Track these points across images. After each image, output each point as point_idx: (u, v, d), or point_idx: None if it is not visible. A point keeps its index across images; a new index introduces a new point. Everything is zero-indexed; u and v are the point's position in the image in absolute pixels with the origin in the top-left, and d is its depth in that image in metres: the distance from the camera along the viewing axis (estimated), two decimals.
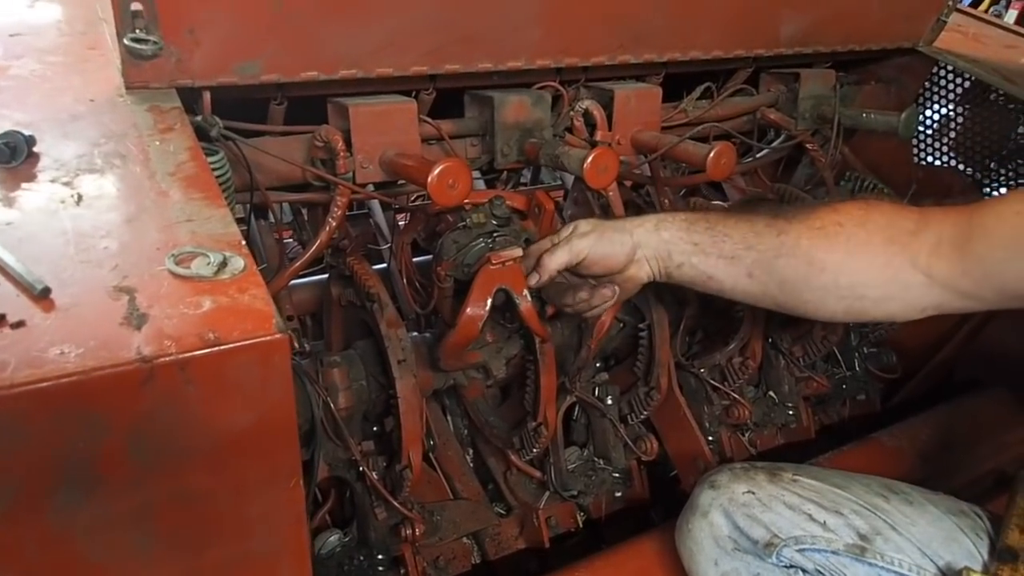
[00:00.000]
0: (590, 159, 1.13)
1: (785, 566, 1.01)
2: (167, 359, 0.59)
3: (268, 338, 0.63)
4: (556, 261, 1.09)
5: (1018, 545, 1.00)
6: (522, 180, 2.09)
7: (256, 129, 1.16)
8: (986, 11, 6.03)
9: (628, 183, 1.72)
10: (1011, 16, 5.95)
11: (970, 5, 2.93)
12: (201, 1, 0.94)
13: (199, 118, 1.04)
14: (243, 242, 0.73)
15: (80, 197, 0.76)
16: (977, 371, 1.89)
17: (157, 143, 0.87)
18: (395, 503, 1.23)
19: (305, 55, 1.06)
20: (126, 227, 0.73)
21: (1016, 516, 1.04)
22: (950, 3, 1.63)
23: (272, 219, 1.64)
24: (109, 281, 0.66)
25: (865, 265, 0.97)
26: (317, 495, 1.35)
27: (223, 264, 0.69)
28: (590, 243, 1.08)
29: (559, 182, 2.02)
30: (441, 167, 1.01)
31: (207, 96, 1.03)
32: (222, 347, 0.61)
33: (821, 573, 1.00)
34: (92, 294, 0.64)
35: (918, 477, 1.26)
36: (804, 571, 1.00)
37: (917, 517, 1.05)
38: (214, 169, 1.01)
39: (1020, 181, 1.77)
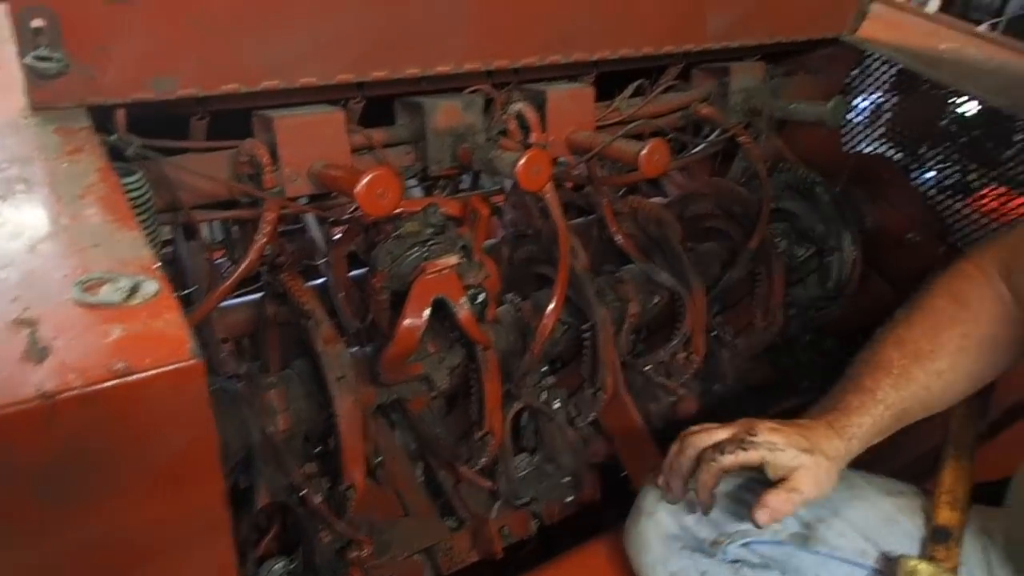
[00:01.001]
0: (522, 161, 1.11)
1: (731, 561, 1.01)
2: (71, 393, 0.56)
3: (182, 365, 0.60)
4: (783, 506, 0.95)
5: (949, 523, 1.02)
6: (462, 186, 2.07)
7: (178, 146, 1.12)
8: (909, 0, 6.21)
9: (569, 184, 1.72)
10: (933, 5, 6.15)
11: None
12: (110, 15, 0.90)
13: (114, 137, 1.00)
14: (157, 265, 0.70)
15: None
16: None
17: (64, 165, 0.83)
18: (339, 525, 1.20)
19: (224, 67, 1.02)
20: (29, 255, 0.69)
21: (944, 493, 1.06)
22: None
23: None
24: (9, 314, 0.62)
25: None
26: (261, 522, 1.31)
27: (134, 289, 0.66)
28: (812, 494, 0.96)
29: (499, 186, 2.01)
30: (369, 176, 0.98)
31: (121, 114, 0.98)
32: (131, 377, 0.58)
33: (768, 565, 1.00)
34: None
35: (863, 460, 1.27)
36: (751, 565, 1.01)
37: (857, 501, 1.06)
38: (132, 189, 0.97)
39: (948, 165, 1.81)
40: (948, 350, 1.05)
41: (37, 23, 0.86)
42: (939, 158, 1.80)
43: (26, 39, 0.88)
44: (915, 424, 1.69)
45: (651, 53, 1.43)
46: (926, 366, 1.04)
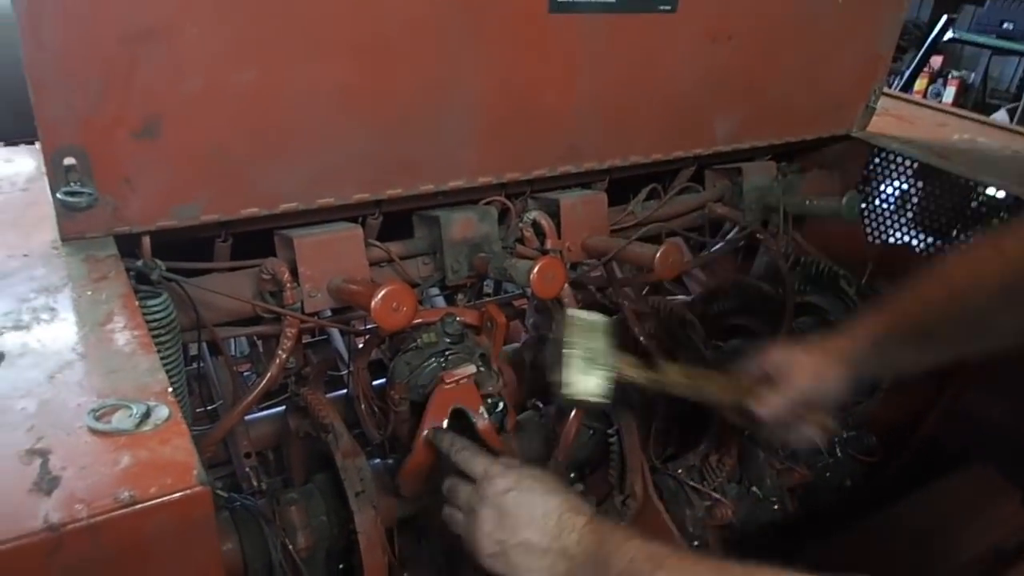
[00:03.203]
0: (536, 270, 1.13)
1: None
2: (77, 525, 0.56)
3: (188, 492, 0.60)
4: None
5: None
6: (486, 291, 2.10)
7: (202, 268, 1.16)
8: (925, 91, 6.33)
9: (592, 287, 1.73)
10: (949, 93, 6.25)
11: (903, 87, 3.07)
12: (137, 150, 0.95)
13: (141, 263, 1.04)
14: (170, 389, 0.71)
15: (2, 356, 0.74)
16: (961, 443, 1.85)
17: (89, 293, 0.86)
18: None
19: (244, 193, 1.07)
20: (48, 385, 0.71)
21: None
22: (876, 90, 1.70)
23: (233, 354, 1.62)
24: (23, 444, 0.63)
25: None
26: None
27: (146, 415, 0.67)
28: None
29: (521, 290, 2.02)
30: (384, 291, 1.00)
31: (146, 241, 1.03)
32: (137, 506, 0.58)
33: None
34: (3, 461, 0.61)
35: (912, 562, 1.21)
36: None
37: None
38: (156, 311, 1.00)
39: None
40: (984, 289, 1.04)
41: (69, 161, 0.92)
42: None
43: (58, 176, 0.93)
44: (965, 524, 1.61)
45: (661, 159, 1.46)
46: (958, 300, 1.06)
